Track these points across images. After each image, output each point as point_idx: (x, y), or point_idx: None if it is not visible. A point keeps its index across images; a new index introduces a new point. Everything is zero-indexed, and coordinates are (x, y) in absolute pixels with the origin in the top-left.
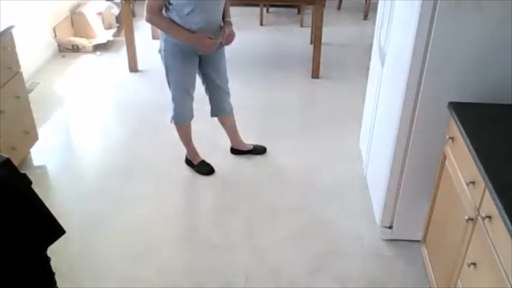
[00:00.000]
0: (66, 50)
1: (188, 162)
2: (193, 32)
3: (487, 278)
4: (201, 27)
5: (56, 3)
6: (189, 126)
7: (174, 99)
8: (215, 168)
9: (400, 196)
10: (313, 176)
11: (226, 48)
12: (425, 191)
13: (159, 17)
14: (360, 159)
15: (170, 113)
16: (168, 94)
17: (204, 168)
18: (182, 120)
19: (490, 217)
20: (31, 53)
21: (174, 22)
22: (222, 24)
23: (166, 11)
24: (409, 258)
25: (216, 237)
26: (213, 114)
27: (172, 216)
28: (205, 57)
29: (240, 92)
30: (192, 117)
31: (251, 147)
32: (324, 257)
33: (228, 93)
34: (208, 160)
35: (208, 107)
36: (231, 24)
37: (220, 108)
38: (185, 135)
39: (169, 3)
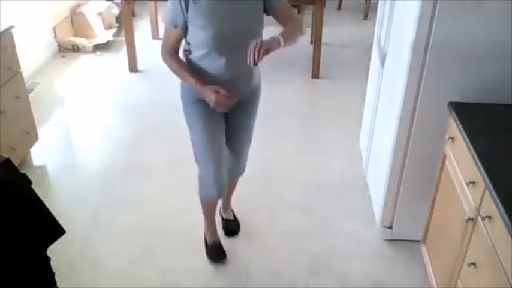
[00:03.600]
0: (66, 50)
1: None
2: (212, 77)
3: (487, 278)
4: (220, 74)
5: (56, 3)
6: (213, 204)
7: (196, 162)
8: None
9: (400, 196)
10: (313, 176)
11: None
12: (425, 191)
13: (172, 56)
14: (359, 159)
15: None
16: (167, 93)
17: (214, 252)
18: (204, 194)
19: (490, 217)
20: (31, 53)
21: (191, 64)
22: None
23: (184, 51)
24: (409, 258)
25: None
26: None
27: (172, 216)
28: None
29: None
30: (219, 194)
31: (231, 218)
32: (324, 257)
33: (242, 163)
34: None
35: None
36: (279, 40)
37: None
38: (206, 212)
39: (188, 43)
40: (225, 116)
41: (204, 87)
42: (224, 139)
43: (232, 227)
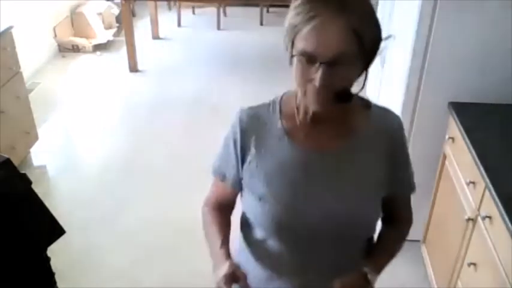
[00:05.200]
0: (66, 50)
1: None
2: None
3: (487, 278)
4: (281, 278)
5: (56, 3)
6: None
7: None
8: None
9: None
10: None
11: (226, 49)
12: (425, 191)
13: (213, 211)
14: None
15: None
16: (167, 93)
17: None
18: None
19: (490, 217)
20: (31, 53)
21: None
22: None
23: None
24: (409, 258)
25: None
26: None
27: (172, 216)
28: None
29: (240, 92)
30: None
31: None
32: None
33: None
34: None
35: None
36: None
37: None
38: None
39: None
40: None
41: (227, 260)
42: None
43: None
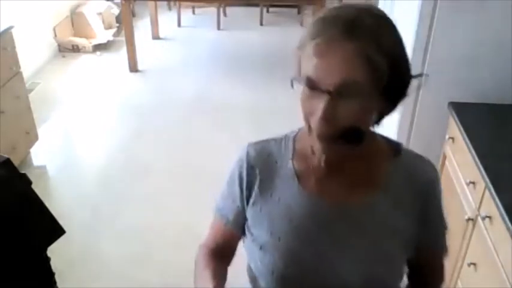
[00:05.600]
0: (66, 50)
1: None
2: None
3: (487, 278)
4: None
5: (56, 3)
6: None
7: None
8: None
9: None
10: None
11: (226, 49)
12: None
13: (207, 256)
14: None
15: None
16: (167, 93)
17: None
18: None
19: (490, 217)
20: (31, 53)
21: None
22: None
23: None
24: None
25: None
26: None
27: (172, 217)
28: None
29: (240, 92)
30: None
31: None
32: None
33: None
34: None
35: None
36: None
37: None
38: None
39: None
40: None
41: None
42: None
43: None
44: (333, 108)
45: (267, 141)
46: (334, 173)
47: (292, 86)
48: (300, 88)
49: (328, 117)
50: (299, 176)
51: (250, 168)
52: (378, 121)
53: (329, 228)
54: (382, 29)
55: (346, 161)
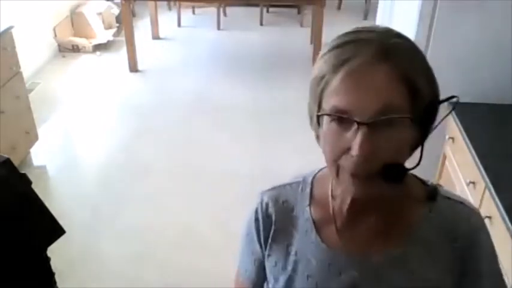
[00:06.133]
0: (66, 50)
1: None
2: None
3: None
4: None
5: (56, 3)
6: None
7: None
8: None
9: None
10: None
11: (226, 49)
12: None
13: None
14: None
15: None
16: (167, 93)
17: None
18: None
19: (490, 217)
20: (31, 53)
21: None
22: None
23: None
24: None
25: (216, 237)
26: None
27: (172, 217)
28: None
29: (240, 92)
30: None
31: None
32: None
33: None
34: None
35: None
36: None
37: None
38: None
39: None
40: None
41: None
42: None
43: None
44: (372, 141)
45: (282, 186)
46: (358, 220)
47: (318, 123)
48: (318, 124)
49: (367, 152)
50: (317, 226)
51: (267, 217)
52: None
53: (353, 286)
54: (412, 48)
55: (373, 206)
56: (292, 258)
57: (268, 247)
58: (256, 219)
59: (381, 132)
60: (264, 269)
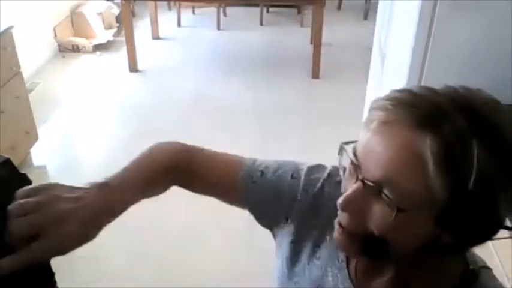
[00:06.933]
0: (66, 50)
1: None
2: None
3: None
4: None
5: (56, 3)
6: None
7: None
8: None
9: None
10: None
11: (226, 49)
12: None
13: (170, 155)
14: None
15: None
16: (167, 93)
17: None
18: None
19: None
20: (31, 53)
21: None
22: None
23: None
24: None
25: (216, 237)
26: None
27: (172, 216)
28: None
29: (239, 92)
30: None
31: None
32: None
33: None
34: None
35: None
36: None
37: None
38: None
39: None
40: None
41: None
42: None
43: None
44: (359, 201)
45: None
46: (370, 275)
47: (341, 152)
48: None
49: (349, 209)
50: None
51: (318, 191)
52: (437, 252)
53: None
54: (479, 135)
55: (377, 271)
56: (316, 262)
57: (294, 227)
58: (310, 185)
59: (377, 198)
60: (260, 209)
